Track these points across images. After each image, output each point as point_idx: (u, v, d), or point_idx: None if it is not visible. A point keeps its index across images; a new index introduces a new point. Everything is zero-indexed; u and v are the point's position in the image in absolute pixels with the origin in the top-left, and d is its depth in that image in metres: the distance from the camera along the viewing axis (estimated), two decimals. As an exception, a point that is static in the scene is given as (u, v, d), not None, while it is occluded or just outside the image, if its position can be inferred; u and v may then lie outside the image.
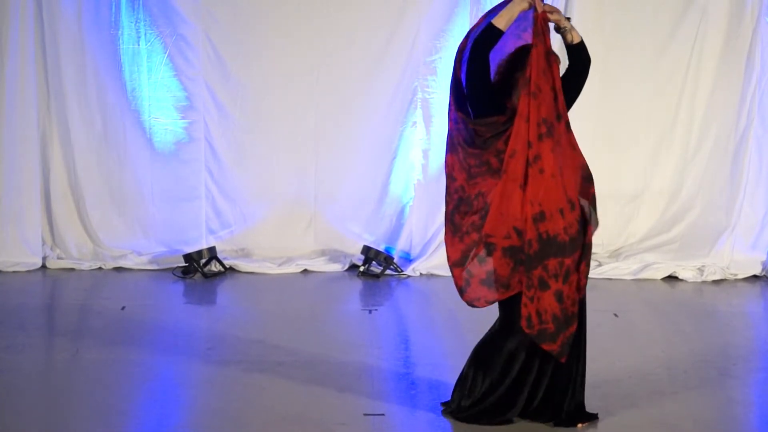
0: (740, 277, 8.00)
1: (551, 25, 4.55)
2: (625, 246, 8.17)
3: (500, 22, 4.47)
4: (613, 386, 5.22)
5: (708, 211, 8.11)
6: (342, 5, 7.99)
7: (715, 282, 7.89)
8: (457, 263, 4.60)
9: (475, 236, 4.53)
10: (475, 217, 4.54)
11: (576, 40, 4.61)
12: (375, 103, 8.08)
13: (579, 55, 4.64)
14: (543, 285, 4.48)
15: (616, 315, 6.79)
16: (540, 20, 4.46)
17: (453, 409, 4.77)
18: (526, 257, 4.47)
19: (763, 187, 8.10)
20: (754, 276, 8.04)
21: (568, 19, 4.59)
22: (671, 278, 7.96)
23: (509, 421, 4.67)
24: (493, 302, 4.57)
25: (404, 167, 8.14)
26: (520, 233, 4.48)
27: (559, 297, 4.50)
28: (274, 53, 8.01)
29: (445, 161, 4.69)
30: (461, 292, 4.60)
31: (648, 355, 5.85)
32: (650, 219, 8.20)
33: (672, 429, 4.73)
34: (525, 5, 4.49)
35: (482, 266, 4.52)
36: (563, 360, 4.57)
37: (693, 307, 7.16)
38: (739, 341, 6.30)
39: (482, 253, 4.51)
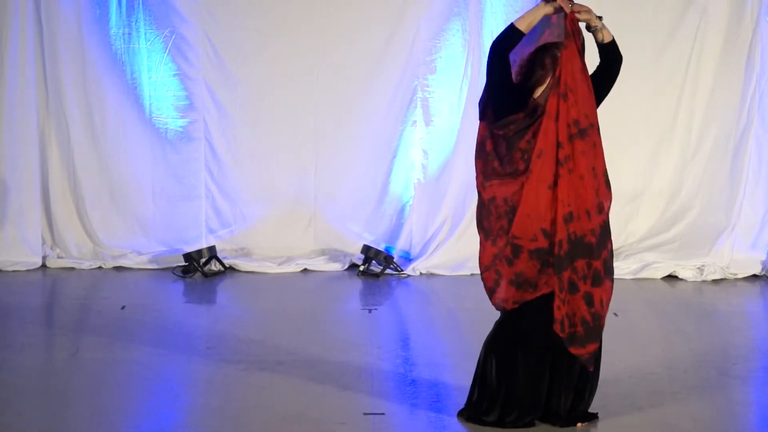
0: (740, 276, 8.00)
1: (582, 25, 4.53)
2: (625, 245, 8.17)
3: (522, 24, 4.45)
4: (613, 386, 5.21)
5: (708, 211, 8.11)
6: (342, 5, 7.99)
7: (715, 281, 7.89)
8: (488, 267, 4.60)
9: (504, 240, 4.51)
10: (503, 221, 4.52)
11: (607, 39, 4.58)
12: (375, 103, 8.08)
13: (610, 54, 4.62)
14: (573, 287, 4.47)
15: (616, 315, 6.78)
16: (569, 21, 4.45)
17: (468, 413, 4.75)
18: (556, 258, 4.45)
19: (762, 187, 8.10)
20: (754, 275, 8.04)
21: (600, 18, 4.56)
22: (671, 278, 7.96)
23: (531, 424, 4.66)
24: (521, 302, 4.54)
25: (404, 166, 8.14)
26: (547, 235, 4.46)
27: (589, 300, 4.48)
28: (274, 53, 8.01)
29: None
30: (491, 293, 4.59)
31: (648, 355, 5.85)
32: (650, 218, 8.20)
33: (672, 429, 4.73)
34: (549, 9, 4.46)
35: (510, 267, 4.50)
36: (591, 369, 4.58)
37: (693, 307, 7.16)
38: (739, 341, 6.30)
39: (509, 254, 4.50)
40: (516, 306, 4.56)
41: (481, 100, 4.60)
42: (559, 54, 4.45)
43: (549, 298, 4.52)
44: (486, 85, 4.55)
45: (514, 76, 4.51)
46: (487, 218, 4.57)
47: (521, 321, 4.57)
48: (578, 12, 4.47)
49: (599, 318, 4.52)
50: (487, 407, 4.66)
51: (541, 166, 4.44)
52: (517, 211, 4.47)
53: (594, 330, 4.51)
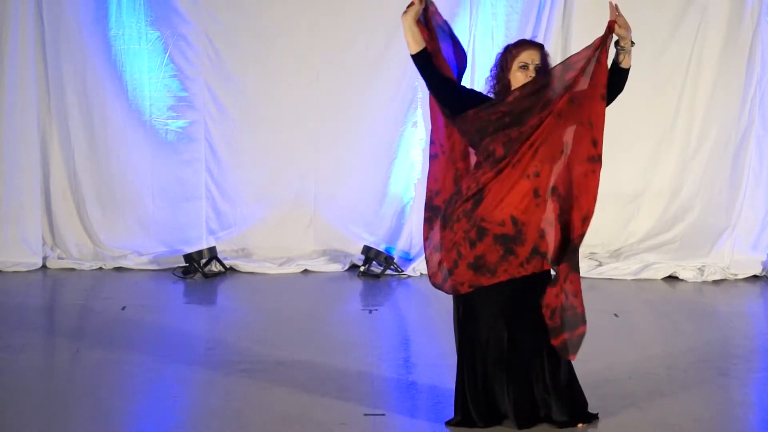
0: (740, 277, 7.99)
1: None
2: (625, 246, 8.17)
3: (412, 48, 4.54)
4: (613, 386, 5.22)
5: (708, 211, 8.11)
6: (342, 5, 7.99)
7: (715, 282, 7.89)
8: (449, 249, 4.56)
9: (464, 222, 4.52)
10: (468, 204, 4.52)
11: (626, 65, 4.61)
12: (375, 103, 8.08)
13: (617, 79, 4.61)
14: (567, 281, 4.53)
15: (616, 315, 6.79)
16: (608, 27, 4.43)
17: (454, 421, 4.75)
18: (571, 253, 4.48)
19: (763, 187, 8.10)
20: (755, 276, 8.04)
21: (633, 44, 4.56)
22: (671, 278, 7.96)
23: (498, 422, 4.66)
24: (476, 287, 4.53)
25: (404, 167, 8.14)
26: (515, 222, 4.49)
27: (566, 294, 4.52)
28: (275, 53, 8.02)
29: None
30: (449, 273, 4.56)
31: (648, 355, 5.85)
32: (650, 219, 8.20)
33: (672, 429, 4.73)
34: (408, 18, 4.52)
35: (472, 250, 4.50)
36: (569, 359, 4.57)
37: (693, 307, 7.16)
38: (739, 341, 6.30)
39: (474, 236, 4.50)
40: (470, 290, 4.54)
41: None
42: (515, 52, 4.50)
43: (504, 290, 4.52)
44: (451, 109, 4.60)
45: (497, 88, 4.55)
46: (453, 204, 4.56)
47: (477, 323, 4.58)
48: (619, 26, 4.47)
49: (566, 309, 4.53)
50: (471, 409, 4.67)
51: (529, 157, 4.46)
52: (487, 195, 4.48)
53: (567, 321, 4.53)
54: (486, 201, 4.49)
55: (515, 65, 4.52)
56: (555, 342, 4.54)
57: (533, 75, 4.48)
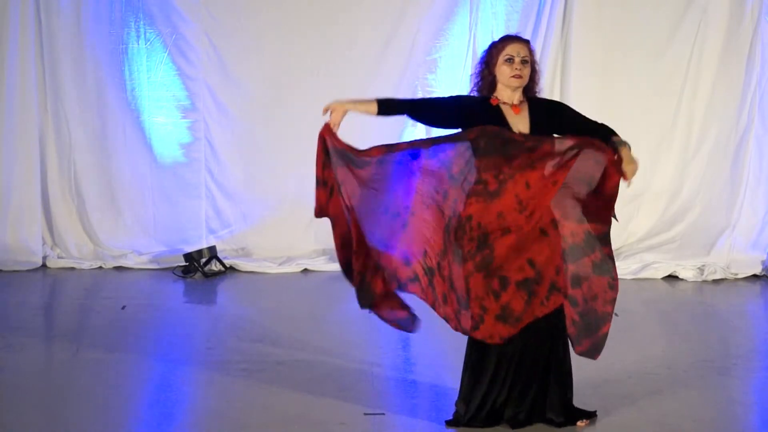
0: (740, 276, 8.00)
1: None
2: (625, 246, 8.17)
3: (371, 112, 4.86)
4: (613, 386, 5.22)
5: (708, 211, 8.11)
6: (342, 5, 8.00)
7: (715, 281, 7.89)
8: (469, 299, 4.46)
9: (470, 266, 4.42)
10: (473, 245, 4.42)
11: (619, 147, 4.70)
12: (375, 103, 8.06)
13: (601, 137, 4.73)
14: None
15: (616, 315, 6.77)
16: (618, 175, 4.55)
17: (454, 421, 4.74)
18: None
19: (763, 187, 8.11)
20: (755, 275, 8.04)
21: (628, 184, 4.62)
22: (671, 278, 7.96)
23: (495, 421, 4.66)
24: (508, 338, 4.45)
25: (404, 167, 8.13)
26: (533, 264, 4.43)
27: (573, 301, 4.52)
28: (275, 53, 8.02)
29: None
30: (474, 328, 4.44)
31: (648, 355, 5.85)
32: (650, 218, 8.20)
33: (672, 429, 4.73)
34: (337, 115, 4.87)
35: (497, 301, 4.43)
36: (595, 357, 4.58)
37: (693, 307, 7.16)
38: (739, 341, 6.30)
39: (497, 287, 4.43)
40: (501, 342, 4.45)
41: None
42: (500, 46, 4.49)
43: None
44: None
45: (481, 86, 4.55)
46: (461, 239, 4.43)
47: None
48: (625, 174, 4.58)
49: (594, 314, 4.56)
50: (471, 416, 4.66)
51: (521, 189, 4.42)
52: (494, 242, 4.39)
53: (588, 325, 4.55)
54: (498, 250, 4.39)
55: (501, 58, 4.48)
56: (578, 348, 4.54)
57: (519, 68, 4.45)
